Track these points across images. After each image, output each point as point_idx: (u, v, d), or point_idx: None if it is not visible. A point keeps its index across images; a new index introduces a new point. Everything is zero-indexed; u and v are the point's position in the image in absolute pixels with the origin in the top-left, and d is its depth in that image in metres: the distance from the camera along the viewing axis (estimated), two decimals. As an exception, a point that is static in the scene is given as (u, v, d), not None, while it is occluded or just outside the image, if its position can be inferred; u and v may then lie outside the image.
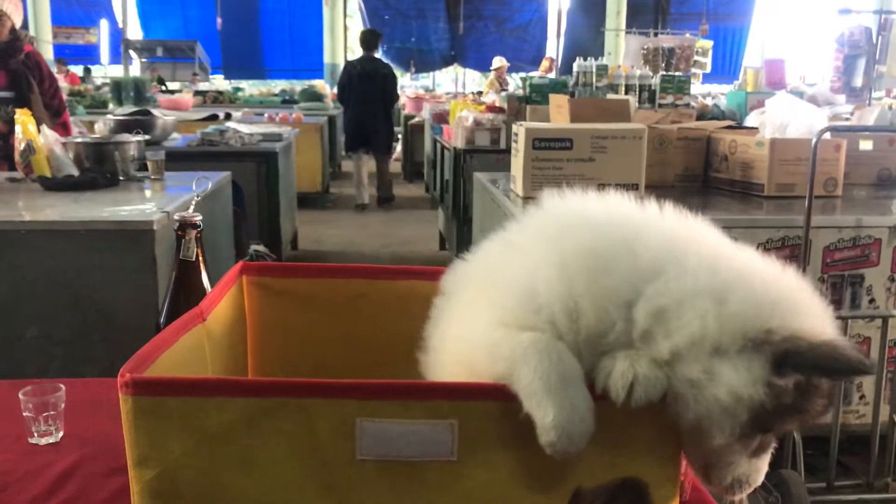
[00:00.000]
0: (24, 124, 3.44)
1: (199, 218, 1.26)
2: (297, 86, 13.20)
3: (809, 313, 0.76)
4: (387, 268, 1.07)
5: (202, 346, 0.88)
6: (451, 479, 0.72)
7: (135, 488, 0.71)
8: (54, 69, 11.45)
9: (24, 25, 4.22)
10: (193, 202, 1.32)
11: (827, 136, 3.28)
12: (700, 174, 3.78)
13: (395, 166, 12.03)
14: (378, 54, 8.92)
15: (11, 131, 4.08)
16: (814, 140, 2.85)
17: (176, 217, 1.25)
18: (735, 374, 0.71)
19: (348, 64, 9.14)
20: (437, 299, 0.95)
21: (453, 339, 0.84)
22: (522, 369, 0.72)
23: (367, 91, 8.30)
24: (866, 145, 3.76)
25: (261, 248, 4.88)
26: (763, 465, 0.81)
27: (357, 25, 18.61)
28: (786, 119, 3.66)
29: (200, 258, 1.28)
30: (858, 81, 7.12)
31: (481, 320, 0.79)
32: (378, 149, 8.57)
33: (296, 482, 0.71)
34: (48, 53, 14.48)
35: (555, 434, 0.69)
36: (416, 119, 10.63)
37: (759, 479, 0.81)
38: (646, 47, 7.67)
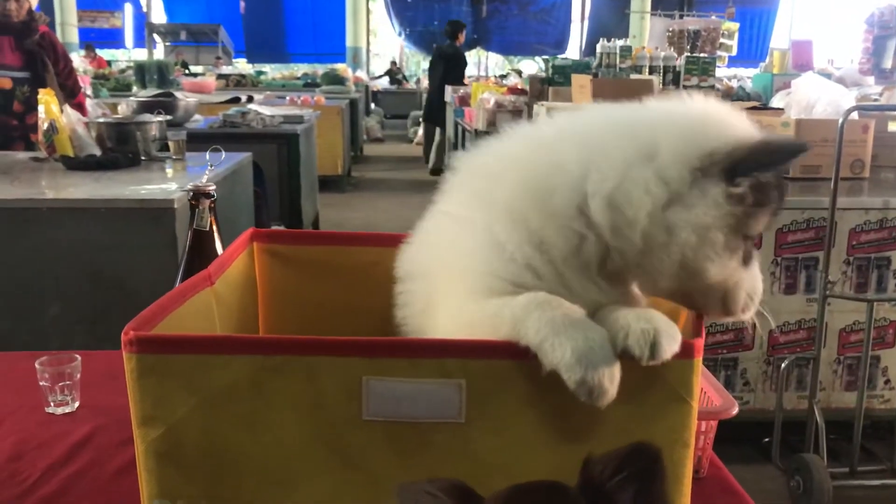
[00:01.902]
0: (48, 104, 3.46)
1: (212, 187, 1.25)
2: (320, 69, 13.19)
3: (733, 123, 0.81)
4: (399, 235, 1.06)
5: (210, 309, 0.87)
6: (458, 442, 0.70)
7: (140, 448, 0.71)
8: (81, 53, 11.55)
9: (39, 7, 4.24)
10: (207, 172, 1.32)
11: (854, 116, 3.22)
12: (724, 156, 3.73)
13: (416, 150, 12.02)
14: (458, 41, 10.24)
15: (27, 111, 4.12)
16: (840, 120, 2.79)
17: (189, 186, 1.24)
18: (695, 210, 0.75)
19: (435, 48, 10.87)
20: (398, 285, 0.96)
21: (444, 328, 0.82)
22: (527, 322, 0.70)
23: (443, 73, 9.76)
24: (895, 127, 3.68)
25: (281, 228, 4.89)
26: (756, 271, 0.85)
27: (379, 9, 18.57)
28: (812, 99, 3.60)
29: (215, 228, 1.27)
30: (888, 63, 6.96)
31: (468, 300, 0.79)
32: (443, 124, 9.71)
33: (301, 442, 0.70)
34: (73, 37, 14.58)
35: (580, 369, 0.67)
36: (439, 103, 10.60)
37: (761, 286, 0.86)
38: (671, 29, 7.56)
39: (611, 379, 0.68)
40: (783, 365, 2.95)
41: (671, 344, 0.70)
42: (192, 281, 0.84)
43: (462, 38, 10.15)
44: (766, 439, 3.02)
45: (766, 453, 3.01)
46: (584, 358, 0.68)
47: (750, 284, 0.83)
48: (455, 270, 0.82)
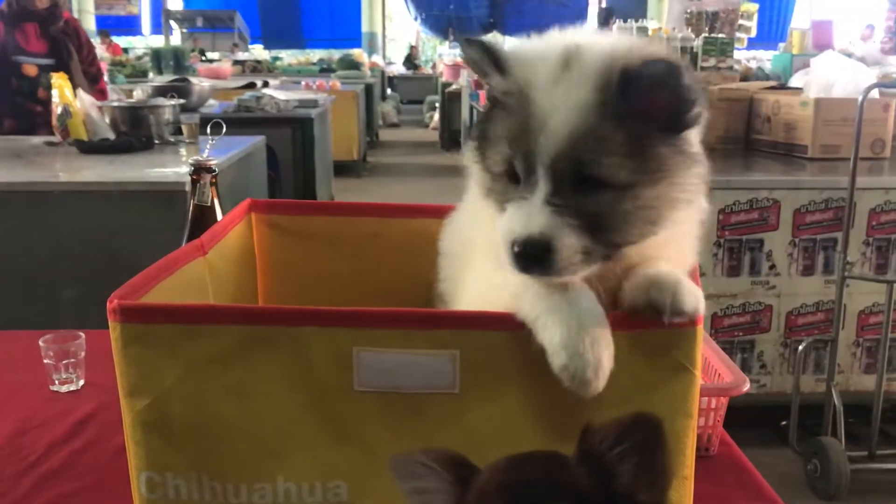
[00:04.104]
0: (61, 88, 3.47)
1: (213, 162, 1.24)
2: (336, 54, 13.16)
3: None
4: (400, 205, 1.04)
5: (203, 280, 0.85)
6: (452, 413, 0.68)
7: (127, 419, 0.69)
8: (97, 40, 11.59)
9: None
10: (209, 146, 1.30)
11: (875, 95, 3.16)
12: (742, 136, 3.67)
13: (432, 135, 11.97)
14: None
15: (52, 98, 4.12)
16: (860, 98, 2.73)
17: (190, 161, 1.23)
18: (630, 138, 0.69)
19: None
20: (440, 258, 0.95)
21: (465, 298, 0.83)
22: (526, 295, 0.68)
23: None
24: (917, 106, 3.60)
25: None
26: (510, 212, 0.76)
27: (395, -7, 18.46)
28: (832, 78, 3.52)
29: (217, 203, 1.26)
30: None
31: (482, 270, 0.78)
32: None
33: (292, 414, 0.68)
34: (90, 24, 14.62)
35: (564, 354, 0.65)
36: (454, 87, 10.55)
37: (514, 227, 0.74)
38: (689, 11, 7.46)
39: (595, 371, 0.65)
40: (801, 347, 2.91)
41: (693, 300, 0.68)
42: (183, 250, 0.82)
43: None
44: (784, 422, 2.98)
45: (783, 437, 2.97)
46: (571, 345, 0.65)
47: (503, 229, 0.71)
48: (476, 241, 0.81)
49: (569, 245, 0.68)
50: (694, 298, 0.68)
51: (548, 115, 0.69)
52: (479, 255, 0.80)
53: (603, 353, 0.66)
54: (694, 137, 0.74)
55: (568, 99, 0.69)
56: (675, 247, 0.77)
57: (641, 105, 0.68)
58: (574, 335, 0.65)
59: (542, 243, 0.67)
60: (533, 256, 0.67)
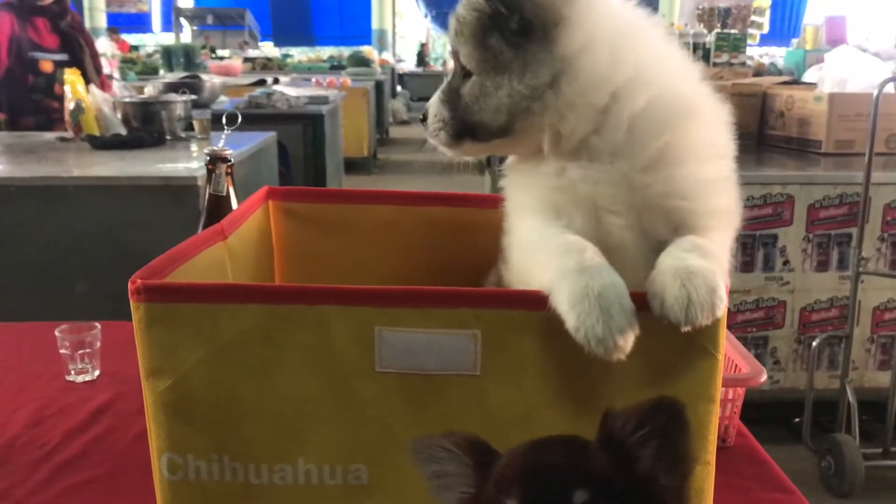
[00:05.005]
0: (73, 84, 3.48)
1: (229, 151, 1.24)
2: (346, 52, 13.16)
3: None
4: (416, 193, 1.04)
5: (223, 264, 0.85)
6: (473, 396, 0.68)
7: (148, 401, 0.69)
8: (105, 38, 11.64)
9: None
10: (224, 136, 1.30)
11: (890, 89, 3.14)
12: (755, 132, 3.66)
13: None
14: None
15: (68, 94, 4.13)
16: (875, 92, 2.72)
17: (206, 151, 1.23)
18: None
19: None
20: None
21: (511, 257, 0.85)
22: (549, 266, 0.69)
23: None
24: (933, 100, 3.58)
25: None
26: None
27: (406, -9, 18.46)
28: (846, 73, 3.50)
29: (232, 193, 1.26)
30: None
31: (522, 226, 0.82)
32: None
33: (313, 394, 0.68)
34: (101, 22, 14.68)
35: (573, 315, 0.65)
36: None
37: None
38: (701, 7, 7.45)
39: (608, 327, 0.64)
40: (814, 343, 2.89)
41: (705, 309, 0.66)
42: (203, 234, 0.82)
43: None
44: (797, 419, 2.96)
45: (796, 433, 2.95)
46: (577, 305, 0.65)
47: None
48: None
49: (433, 113, 0.88)
50: (708, 304, 0.66)
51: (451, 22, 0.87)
52: (523, 208, 0.84)
53: (615, 309, 0.65)
54: (560, 37, 0.79)
55: (461, 8, 0.86)
56: (683, 182, 0.77)
57: (481, 9, 0.82)
58: (581, 293, 0.65)
59: (425, 111, 0.90)
60: (423, 119, 0.90)
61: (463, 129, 0.86)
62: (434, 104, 0.89)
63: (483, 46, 0.82)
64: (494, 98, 0.82)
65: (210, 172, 1.24)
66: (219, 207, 1.23)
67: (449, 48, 0.90)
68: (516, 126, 0.82)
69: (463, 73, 0.85)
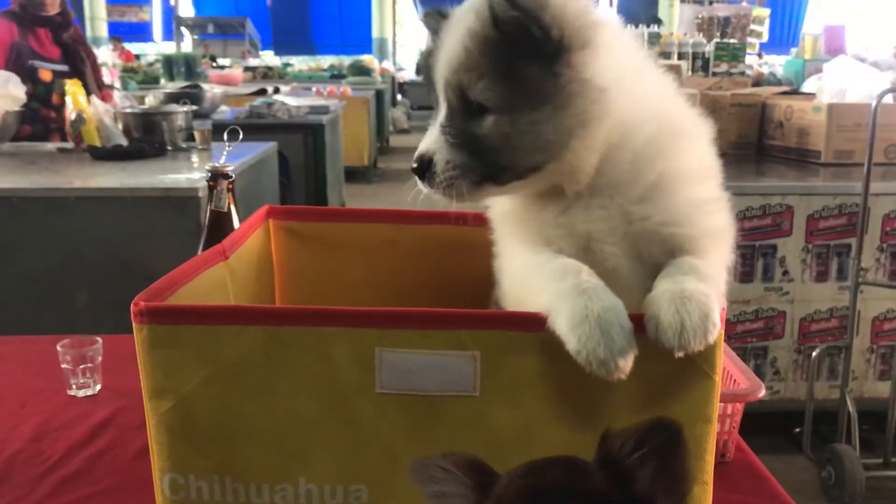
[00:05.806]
0: (75, 95, 3.49)
1: (230, 168, 1.24)
2: (346, 60, 13.19)
3: None
4: (416, 212, 1.04)
5: (224, 284, 0.86)
6: (472, 416, 0.69)
7: (151, 421, 0.70)
8: (109, 47, 11.67)
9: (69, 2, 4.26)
10: (225, 152, 1.31)
11: (889, 100, 3.15)
12: (754, 141, 3.66)
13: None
14: None
15: (65, 104, 4.14)
16: (874, 103, 2.73)
17: (207, 167, 1.24)
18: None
19: None
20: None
21: (503, 281, 0.84)
22: (546, 290, 0.69)
23: None
24: (932, 111, 3.58)
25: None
26: None
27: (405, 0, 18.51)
28: (845, 84, 3.52)
29: (233, 209, 1.27)
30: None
31: (514, 256, 0.81)
32: None
33: (314, 415, 0.69)
34: (102, 31, 14.74)
35: (573, 338, 0.65)
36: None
37: None
38: (700, 16, 7.44)
39: (609, 349, 0.64)
40: (814, 354, 2.89)
41: (698, 335, 0.66)
42: (205, 255, 0.83)
43: None
44: (797, 429, 2.97)
45: (796, 443, 2.96)
46: (578, 327, 0.65)
47: None
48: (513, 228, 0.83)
49: (444, 159, 0.76)
50: (701, 330, 0.66)
51: (439, 49, 0.77)
52: (514, 237, 0.82)
53: (615, 331, 0.65)
54: (591, 64, 0.74)
55: (452, 33, 0.76)
56: (666, 199, 0.77)
57: (508, 32, 0.72)
58: (581, 315, 0.66)
59: (426, 158, 0.77)
60: (420, 170, 0.77)
61: (488, 173, 0.76)
62: (440, 150, 0.77)
63: (510, 77, 0.73)
64: (534, 135, 0.73)
65: (211, 189, 1.25)
66: (220, 223, 1.24)
67: (442, 81, 0.77)
68: (551, 165, 0.75)
69: (471, 110, 0.75)
